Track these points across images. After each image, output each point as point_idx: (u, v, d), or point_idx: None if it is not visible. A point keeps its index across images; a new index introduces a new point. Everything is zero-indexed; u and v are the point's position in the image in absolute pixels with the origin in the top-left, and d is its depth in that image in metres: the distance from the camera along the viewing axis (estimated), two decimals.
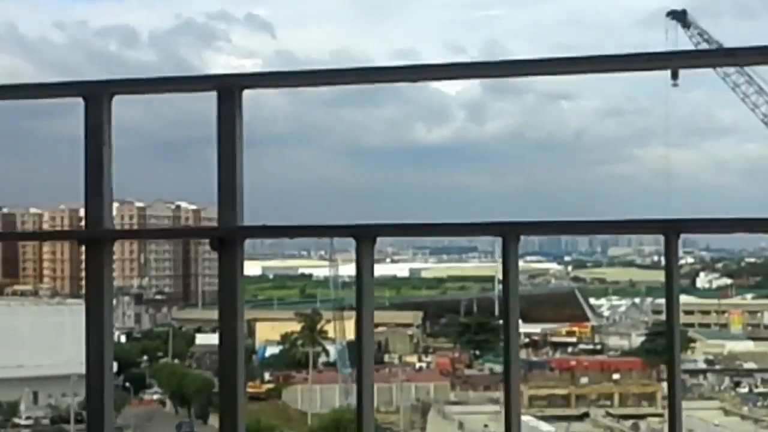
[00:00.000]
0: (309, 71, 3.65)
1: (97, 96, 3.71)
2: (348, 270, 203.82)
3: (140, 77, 3.79)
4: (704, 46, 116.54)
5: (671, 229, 3.40)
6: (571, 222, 3.56)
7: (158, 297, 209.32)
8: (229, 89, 3.74)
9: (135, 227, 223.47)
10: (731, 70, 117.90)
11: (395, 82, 3.60)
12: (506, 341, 3.50)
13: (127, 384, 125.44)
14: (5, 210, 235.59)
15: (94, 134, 3.69)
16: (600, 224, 3.57)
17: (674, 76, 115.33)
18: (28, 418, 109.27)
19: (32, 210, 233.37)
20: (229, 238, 3.71)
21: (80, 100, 3.73)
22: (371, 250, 3.53)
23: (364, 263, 3.53)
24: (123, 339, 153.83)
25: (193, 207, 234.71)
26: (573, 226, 3.72)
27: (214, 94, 3.73)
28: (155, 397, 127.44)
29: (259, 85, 3.86)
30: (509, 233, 3.50)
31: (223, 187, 3.68)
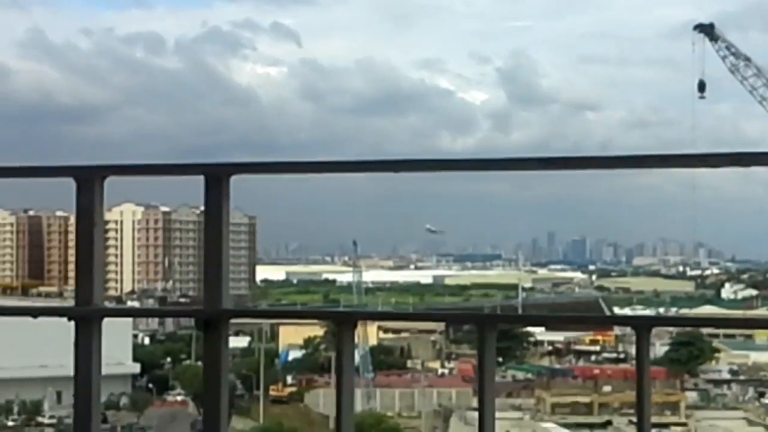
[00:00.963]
0: (295, 163, 3.74)
1: (89, 180, 3.81)
2: (372, 276, 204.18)
3: (131, 164, 3.88)
4: (731, 59, 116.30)
5: (642, 325, 3.47)
6: (542, 316, 3.62)
7: (182, 300, 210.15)
8: (216, 176, 3.83)
9: (160, 232, 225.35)
10: (759, 83, 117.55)
11: (370, 171, 3.68)
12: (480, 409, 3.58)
13: (150, 385, 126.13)
14: (32, 212, 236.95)
15: (85, 216, 3.79)
16: (566, 319, 3.65)
17: (701, 88, 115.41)
18: (51, 417, 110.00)
19: (58, 213, 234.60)
20: (213, 319, 3.81)
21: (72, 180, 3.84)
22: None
23: None
24: (147, 341, 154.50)
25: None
26: (544, 320, 3.79)
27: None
28: (179, 398, 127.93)
29: (246, 171, 3.94)
30: (486, 323, 3.59)
31: (208, 269, 3.77)
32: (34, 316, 4.30)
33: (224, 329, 3.80)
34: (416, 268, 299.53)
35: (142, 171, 3.99)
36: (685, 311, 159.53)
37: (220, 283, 3.76)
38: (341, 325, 3.67)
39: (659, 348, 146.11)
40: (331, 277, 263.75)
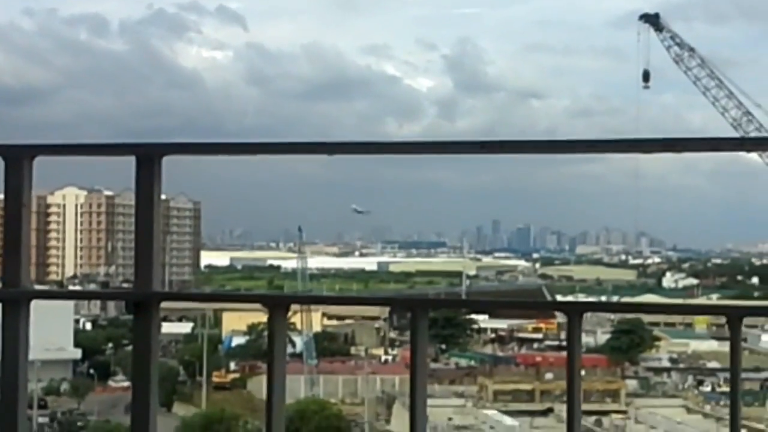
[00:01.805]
0: (228, 144, 3.69)
1: (17, 159, 3.74)
2: (316, 262, 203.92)
3: (61, 143, 3.82)
4: (676, 50, 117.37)
5: (574, 310, 3.48)
6: (473, 301, 3.62)
7: (125, 285, 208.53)
8: (148, 156, 3.78)
9: (103, 216, 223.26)
10: (702, 73, 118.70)
11: (304, 153, 3.64)
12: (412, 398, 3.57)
13: (92, 371, 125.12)
14: None
15: (13, 195, 3.72)
16: (502, 304, 3.65)
17: (646, 78, 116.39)
18: None
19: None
20: (144, 301, 3.76)
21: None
22: None
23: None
24: (89, 326, 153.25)
25: (163, 197, 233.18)
26: (475, 305, 3.78)
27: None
28: (122, 384, 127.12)
29: (178, 152, 3.89)
30: (418, 307, 3.57)
31: (139, 251, 3.72)
32: None
33: (155, 312, 3.75)
34: (361, 255, 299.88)
35: (72, 151, 3.92)
36: (627, 300, 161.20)
37: (150, 265, 3.71)
38: (273, 309, 3.64)
39: (600, 336, 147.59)
40: (275, 263, 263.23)
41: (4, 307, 3.77)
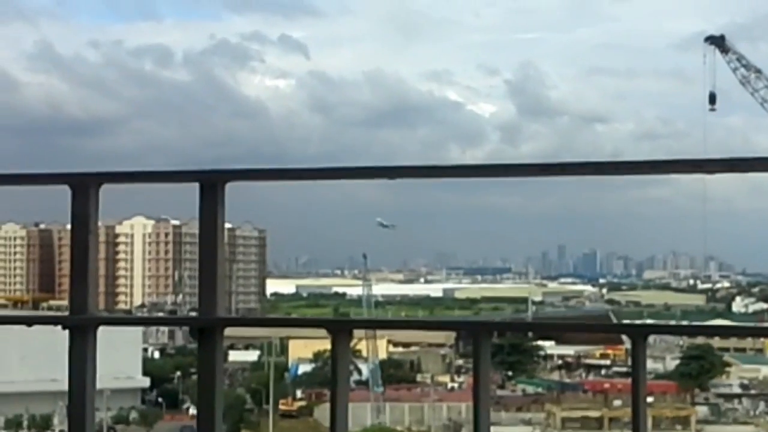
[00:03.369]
0: (291, 169, 3.71)
1: (84, 186, 3.80)
2: (381, 289, 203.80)
3: (127, 170, 3.86)
4: (742, 71, 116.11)
5: (638, 333, 3.45)
6: (537, 324, 3.61)
7: (192, 314, 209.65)
8: (211, 182, 3.81)
9: (171, 245, 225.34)
10: None
11: (368, 178, 3.66)
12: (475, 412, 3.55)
13: (160, 399, 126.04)
14: (42, 226, 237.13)
15: (80, 223, 3.78)
16: (566, 327, 3.62)
17: (712, 100, 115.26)
18: (61, 431, 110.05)
19: (69, 226, 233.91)
20: (208, 327, 3.78)
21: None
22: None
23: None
24: (156, 355, 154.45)
25: (229, 225, 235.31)
26: (539, 328, 3.76)
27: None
28: (191, 412, 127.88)
29: (241, 178, 3.92)
30: (481, 331, 3.56)
31: (203, 277, 3.74)
32: (29, 324, 4.29)
33: (219, 338, 3.77)
34: (426, 281, 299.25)
35: (137, 178, 3.96)
36: (696, 324, 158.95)
37: (214, 291, 3.74)
38: (337, 334, 3.65)
39: (669, 362, 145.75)
40: (341, 290, 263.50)
41: (71, 333, 3.81)
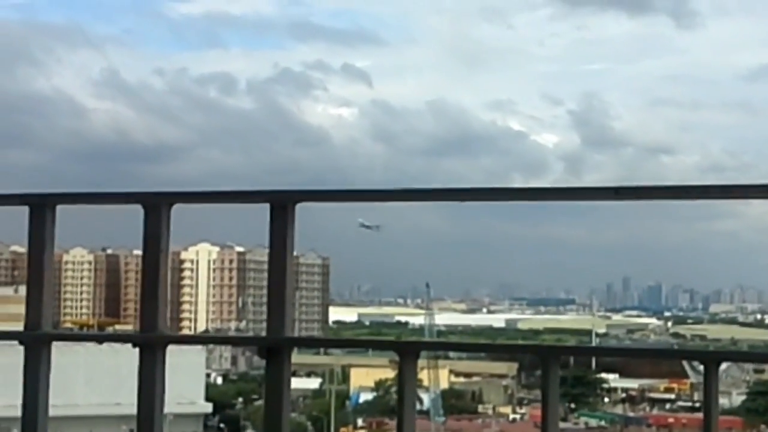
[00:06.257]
0: (360, 191, 3.73)
1: (156, 206, 3.84)
2: (444, 319, 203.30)
3: (197, 191, 3.90)
4: None
5: (711, 359, 3.39)
6: (606, 348, 3.57)
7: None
8: (281, 203, 3.82)
9: (235, 272, 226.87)
10: None
11: (432, 200, 3.66)
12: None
13: (222, 425, 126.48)
14: (110, 251, 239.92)
15: (152, 241, 3.82)
16: (643, 351, 3.58)
17: None
18: None
19: (136, 252, 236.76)
20: (276, 346, 3.79)
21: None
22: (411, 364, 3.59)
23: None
24: (219, 380, 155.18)
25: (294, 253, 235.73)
26: (608, 352, 3.72)
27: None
28: None
29: (311, 199, 3.93)
30: (549, 355, 3.53)
31: (272, 297, 3.76)
32: (99, 341, 4.33)
33: (287, 358, 3.78)
34: (489, 311, 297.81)
35: (208, 198, 4.01)
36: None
37: (283, 311, 3.75)
38: (404, 356, 3.64)
39: (735, 397, 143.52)
40: (403, 319, 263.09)
41: (141, 352, 3.84)
